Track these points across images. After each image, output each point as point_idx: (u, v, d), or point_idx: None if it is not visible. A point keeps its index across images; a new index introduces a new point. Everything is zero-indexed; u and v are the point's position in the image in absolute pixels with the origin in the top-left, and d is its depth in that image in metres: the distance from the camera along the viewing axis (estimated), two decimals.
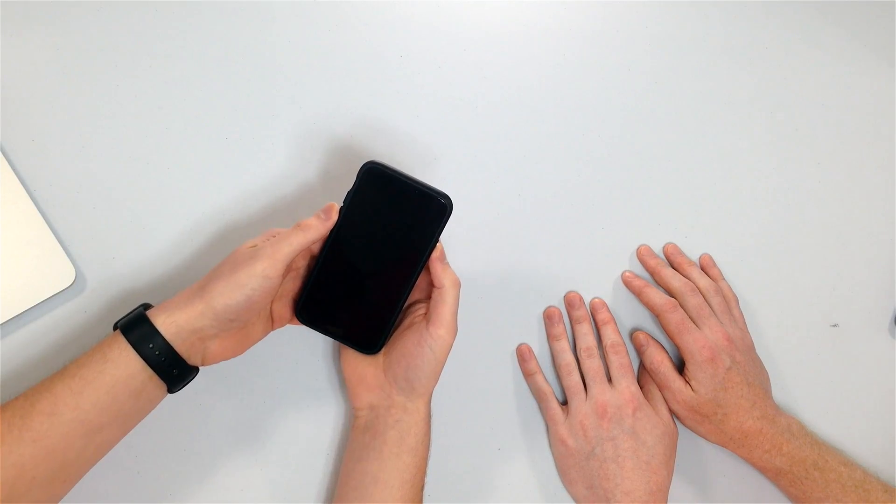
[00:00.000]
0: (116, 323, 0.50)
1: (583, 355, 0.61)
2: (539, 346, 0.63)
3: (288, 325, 0.56)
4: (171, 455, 0.57)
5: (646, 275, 0.64)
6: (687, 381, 0.58)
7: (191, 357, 0.50)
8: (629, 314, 0.63)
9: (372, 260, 0.53)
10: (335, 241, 0.52)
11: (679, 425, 0.60)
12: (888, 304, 0.66)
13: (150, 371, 0.48)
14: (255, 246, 0.51)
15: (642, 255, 0.64)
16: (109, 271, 0.59)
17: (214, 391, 0.58)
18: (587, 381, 0.60)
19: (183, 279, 0.59)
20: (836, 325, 0.65)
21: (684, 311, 0.60)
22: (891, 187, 0.67)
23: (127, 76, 0.62)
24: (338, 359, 0.60)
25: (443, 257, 0.53)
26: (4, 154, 0.59)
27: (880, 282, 0.66)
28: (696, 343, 0.58)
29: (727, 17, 0.69)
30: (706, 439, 0.60)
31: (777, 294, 0.65)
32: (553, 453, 0.61)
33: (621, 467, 0.56)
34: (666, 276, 0.62)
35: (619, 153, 0.66)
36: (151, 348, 0.48)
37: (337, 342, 0.59)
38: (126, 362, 0.48)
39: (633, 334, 0.62)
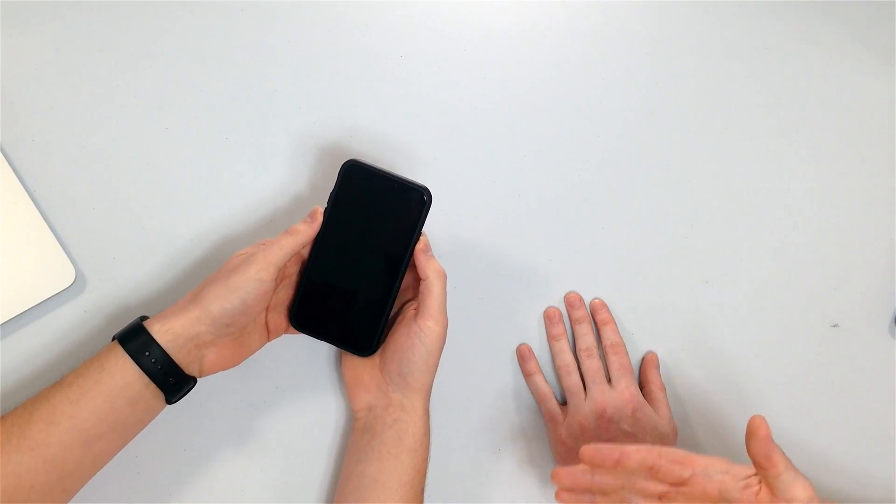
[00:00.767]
0: (115, 335, 0.50)
1: (582, 356, 0.61)
2: (539, 347, 0.63)
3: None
4: (171, 455, 0.57)
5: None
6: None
7: (188, 366, 0.50)
8: (629, 314, 0.63)
9: (359, 260, 0.53)
10: (322, 245, 0.53)
11: (679, 427, 0.60)
12: (888, 304, 0.66)
13: (146, 380, 0.48)
14: (246, 254, 0.51)
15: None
16: (109, 271, 0.59)
17: (215, 392, 0.58)
18: (587, 382, 0.60)
19: (183, 279, 0.59)
20: (836, 326, 0.65)
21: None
22: (891, 187, 0.67)
23: (127, 76, 0.62)
24: (338, 360, 0.60)
25: (426, 249, 0.54)
26: (4, 154, 0.59)
27: (880, 282, 0.66)
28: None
29: (727, 18, 0.68)
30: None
31: (777, 294, 0.65)
32: (553, 453, 0.61)
33: None
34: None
35: (619, 153, 0.66)
36: (147, 356, 0.48)
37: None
38: (122, 371, 0.48)
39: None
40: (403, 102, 0.64)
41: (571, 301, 0.63)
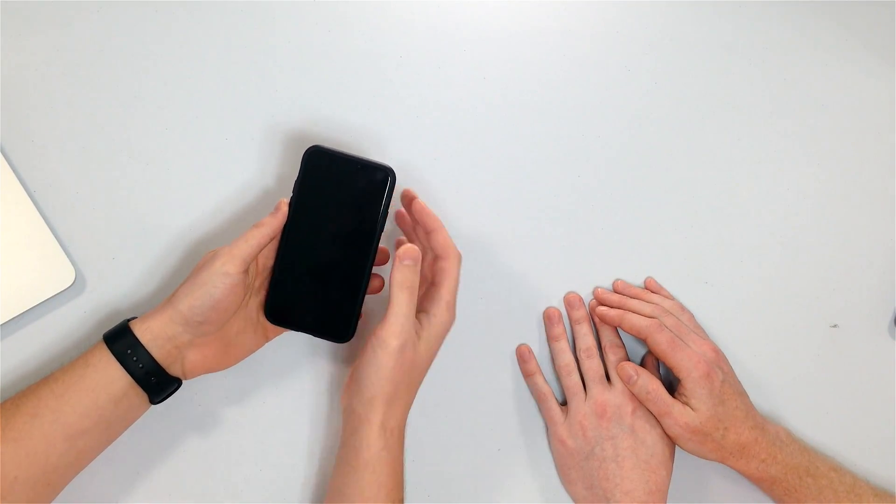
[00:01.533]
0: (104, 334, 0.51)
1: (582, 356, 0.61)
2: (539, 347, 0.63)
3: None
4: (171, 455, 0.57)
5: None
6: (684, 402, 0.57)
7: (170, 366, 0.50)
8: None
9: (328, 246, 0.53)
10: (290, 234, 0.52)
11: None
12: (888, 304, 0.66)
13: (130, 379, 0.49)
14: (214, 251, 0.51)
15: (601, 296, 0.62)
16: (109, 272, 0.59)
17: (215, 392, 0.58)
18: (586, 382, 0.60)
19: (184, 280, 0.59)
20: (836, 326, 0.65)
21: None
22: (891, 187, 0.67)
23: (127, 76, 0.62)
24: (339, 360, 0.60)
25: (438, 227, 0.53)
26: (4, 154, 0.59)
27: (880, 282, 0.66)
28: (690, 360, 0.56)
29: (727, 18, 0.68)
30: (706, 458, 0.58)
31: (777, 294, 0.65)
32: (553, 453, 0.61)
33: (620, 467, 0.56)
34: (635, 307, 0.61)
35: (619, 153, 0.66)
36: (129, 354, 0.49)
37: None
38: (106, 369, 0.49)
39: (618, 367, 0.59)
40: (403, 103, 0.64)
41: (571, 301, 0.63)
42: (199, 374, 0.52)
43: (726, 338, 0.63)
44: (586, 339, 0.61)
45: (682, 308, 0.62)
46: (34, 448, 0.47)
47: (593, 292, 0.63)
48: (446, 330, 0.53)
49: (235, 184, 0.61)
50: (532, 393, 0.62)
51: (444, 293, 0.53)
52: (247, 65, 0.63)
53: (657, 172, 0.66)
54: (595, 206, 0.65)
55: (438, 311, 0.52)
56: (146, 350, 0.49)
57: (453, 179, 0.64)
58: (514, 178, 0.64)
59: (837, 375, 0.64)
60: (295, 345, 0.59)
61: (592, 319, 0.63)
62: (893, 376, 0.64)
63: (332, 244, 0.53)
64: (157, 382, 0.50)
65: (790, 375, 0.63)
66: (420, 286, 0.53)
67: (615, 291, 0.63)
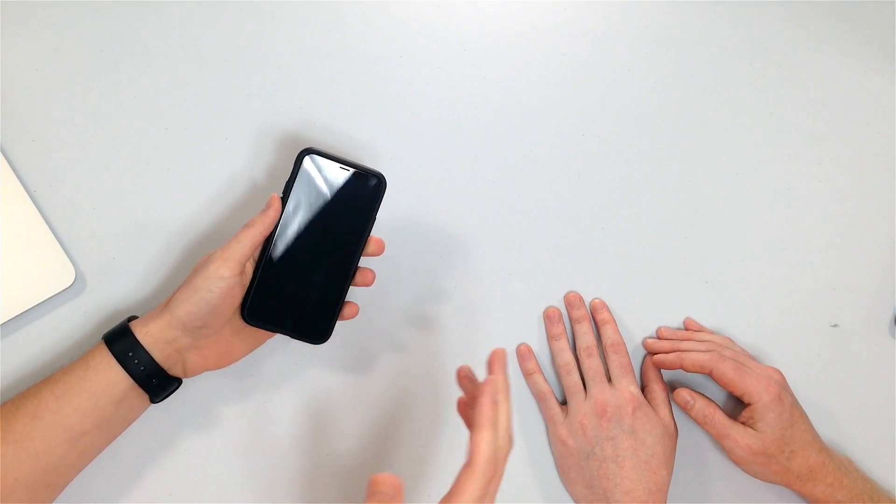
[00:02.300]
0: (104, 335, 0.51)
1: (582, 355, 0.61)
2: (539, 346, 0.63)
3: None
4: (171, 455, 0.57)
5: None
6: (747, 425, 0.57)
7: (171, 367, 0.50)
8: (629, 314, 0.63)
9: (314, 248, 0.53)
10: (277, 235, 0.52)
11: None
12: (888, 304, 0.66)
13: (130, 381, 0.49)
14: (209, 254, 0.51)
15: (653, 346, 0.62)
16: (109, 271, 0.59)
17: (214, 392, 0.58)
18: (587, 381, 0.60)
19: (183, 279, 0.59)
20: (836, 325, 0.65)
21: None
22: (891, 187, 0.67)
23: (126, 76, 0.62)
24: (338, 361, 0.60)
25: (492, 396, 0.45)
26: (4, 154, 0.59)
27: (880, 282, 0.66)
28: (759, 383, 0.56)
29: (727, 18, 0.68)
30: (770, 482, 0.58)
31: (777, 294, 0.65)
32: (553, 453, 0.61)
33: (621, 467, 0.56)
34: (689, 346, 0.60)
35: (619, 153, 0.66)
36: (131, 356, 0.49)
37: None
38: (107, 370, 0.49)
39: (674, 393, 0.59)
40: (403, 103, 0.64)
41: (571, 301, 0.63)
42: (199, 373, 0.52)
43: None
44: (586, 338, 0.61)
45: (732, 340, 0.62)
46: (35, 449, 0.47)
47: (643, 344, 0.63)
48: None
49: (236, 184, 0.61)
50: (532, 392, 0.62)
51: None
52: (247, 65, 0.63)
53: (657, 172, 0.66)
54: (595, 206, 0.65)
55: None
56: (147, 352, 0.49)
57: (453, 179, 0.64)
58: (514, 178, 0.64)
59: (837, 375, 0.64)
60: (295, 344, 0.59)
61: (593, 319, 0.63)
62: (893, 376, 0.64)
63: (317, 247, 0.53)
64: (158, 384, 0.50)
65: (790, 375, 0.63)
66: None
67: (660, 338, 0.63)
